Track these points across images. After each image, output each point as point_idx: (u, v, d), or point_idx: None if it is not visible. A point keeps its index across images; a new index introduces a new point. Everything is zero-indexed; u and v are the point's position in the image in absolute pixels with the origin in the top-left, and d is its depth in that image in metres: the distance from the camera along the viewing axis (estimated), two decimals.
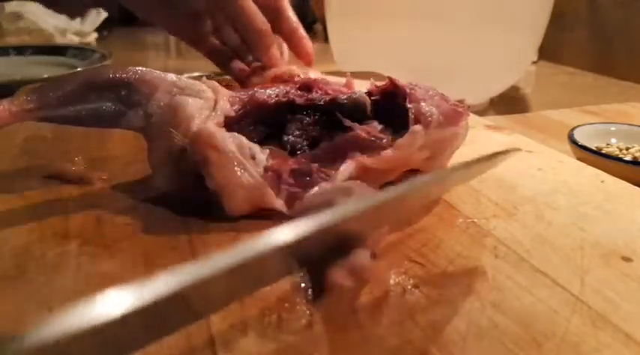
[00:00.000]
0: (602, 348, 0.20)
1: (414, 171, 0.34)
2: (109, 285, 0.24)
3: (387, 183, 0.32)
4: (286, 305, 0.22)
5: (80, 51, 0.87)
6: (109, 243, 0.27)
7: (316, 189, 0.28)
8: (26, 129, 0.43)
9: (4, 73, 0.74)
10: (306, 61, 0.53)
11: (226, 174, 0.29)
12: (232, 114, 0.32)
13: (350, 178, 0.30)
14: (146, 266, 0.25)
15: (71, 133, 0.42)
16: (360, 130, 0.32)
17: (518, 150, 0.29)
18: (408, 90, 0.33)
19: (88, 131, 0.39)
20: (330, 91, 0.36)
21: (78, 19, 1.11)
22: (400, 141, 0.31)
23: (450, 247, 0.27)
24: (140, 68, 0.32)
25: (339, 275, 0.20)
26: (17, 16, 1.03)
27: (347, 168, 0.30)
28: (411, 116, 0.32)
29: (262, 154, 0.30)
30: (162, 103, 0.31)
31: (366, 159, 0.31)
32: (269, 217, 0.30)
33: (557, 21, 0.73)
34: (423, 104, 0.32)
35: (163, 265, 0.25)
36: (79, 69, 0.74)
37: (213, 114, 0.31)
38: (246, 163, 0.29)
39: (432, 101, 0.33)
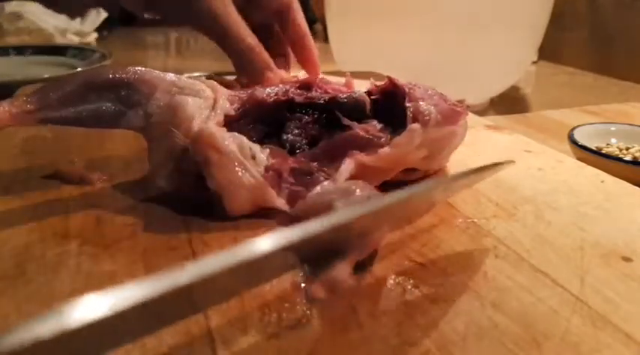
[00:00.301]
0: (602, 348, 0.20)
1: (411, 170, 0.34)
2: (109, 285, 0.24)
3: (385, 181, 0.32)
4: (286, 304, 0.22)
5: (80, 51, 0.87)
6: (109, 242, 0.27)
7: (318, 188, 0.28)
8: (26, 130, 0.43)
9: (4, 73, 0.74)
10: (312, 75, 0.52)
11: (227, 175, 0.29)
12: (232, 113, 0.32)
13: (349, 176, 0.30)
14: (146, 266, 0.25)
15: (71, 133, 0.42)
16: (359, 129, 0.32)
17: (512, 162, 0.30)
18: (407, 90, 0.33)
19: (88, 131, 0.39)
20: (329, 90, 0.36)
21: (78, 19, 1.11)
22: (398, 139, 0.31)
23: (450, 247, 0.27)
24: (139, 68, 0.32)
25: (317, 290, 0.20)
26: (17, 16, 1.03)
27: (347, 167, 0.30)
28: (409, 115, 0.32)
29: (262, 154, 0.30)
30: (161, 103, 0.31)
31: (364, 157, 0.31)
32: (269, 216, 0.30)
33: (557, 21, 0.73)
34: (421, 103, 0.32)
35: (163, 265, 0.25)
36: (79, 69, 0.75)
37: (214, 113, 0.31)
38: (246, 163, 0.29)
39: (431, 100, 0.33)
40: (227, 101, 0.32)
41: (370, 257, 0.26)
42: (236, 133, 0.30)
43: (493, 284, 0.24)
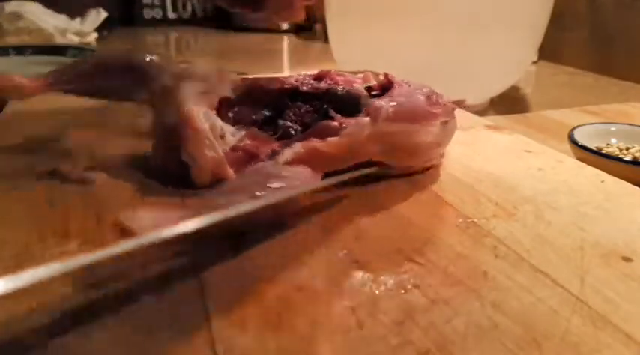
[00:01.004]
0: (602, 348, 0.20)
1: (385, 165, 0.35)
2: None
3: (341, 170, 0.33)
4: (286, 304, 0.23)
5: (80, 51, 0.87)
6: (109, 242, 0.27)
7: (251, 167, 0.31)
8: (26, 130, 0.43)
9: (4, 73, 0.74)
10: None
11: (195, 149, 0.32)
12: (231, 96, 0.35)
13: (301, 161, 0.32)
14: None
15: (71, 133, 0.42)
16: (336, 120, 0.33)
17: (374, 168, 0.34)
18: (396, 86, 0.34)
19: (88, 131, 0.39)
20: (340, 82, 0.37)
21: (78, 19, 1.11)
22: (347, 129, 0.32)
23: (450, 247, 0.27)
24: (152, 54, 0.36)
25: None
26: (17, 16, 1.03)
27: (290, 150, 0.32)
28: (364, 108, 0.33)
29: (234, 135, 0.33)
30: (165, 84, 0.34)
31: (315, 143, 0.32)
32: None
33: (557, 21, 0.73)
34: (379, 99, 0.33)
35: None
36: None
37: (208, 96, 0.34)
38: (214, 141, 0.32)
39: (409, 97, 0.34)
40: (229, 86, 0.36)
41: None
42: (212, 115, 0.33)
43: (493, 284, 0.24)
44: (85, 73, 0.37)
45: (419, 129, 0.34)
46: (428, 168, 0.37)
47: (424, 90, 0.35)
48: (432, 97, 0.35)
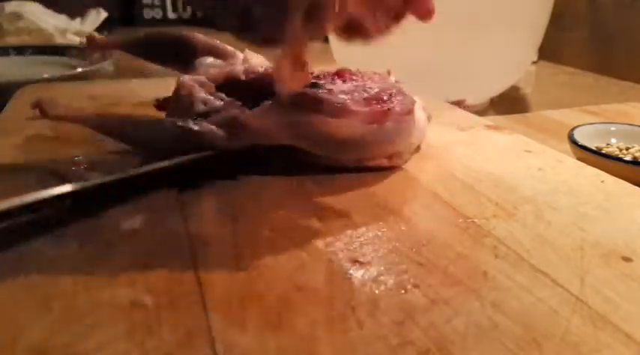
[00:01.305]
0: (602, 348, 0.20)
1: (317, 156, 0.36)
2: (108, 285, 0.24)
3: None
4: (286, 304, 0.23)
5: (80, 51, 0.87)
6: (109, 242, 0.27)
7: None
8: (27, 129, 0.43)
9: (4, 73, 0.74)
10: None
11: (175, 107, 0.38)
12: (241, 77, 0.40)
13: (223, 126, 0.34)
14: (146, 266, 0.25)
15: (71, 133, 0.42)
16: None
17: None
18: (356, 81, 0.38)
19: (88, 131, 0.39)
20: (348, 78, 0.39)
21: (78, 19, 1.11)
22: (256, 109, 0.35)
23: (450, 247, 0.27)
24: (197, 34, 0.45)
25: None
26: (17, 16, 1.03)
27: (221, 114, 0.35)
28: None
29: (205, 105, 0.37)
30: (190, 56, 0.43)
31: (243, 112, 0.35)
32: (271, 216, 0.30)
33: (557, 21, 0.73)
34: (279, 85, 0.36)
35: (163, 266, 0.25)
36: (79, 69, 0.74)
37: (217, 71, 0.40)
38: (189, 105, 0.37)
39: (343, 91, 0.36)
40: (242, 67, 0.41)
41: None
42: (197, 87, 0.37)
43: (493, 284, 0.24)
44: (142, 41, 0.49)
45: (328, 121, 0.34)
46: (382, 169, 0.37)
47: (375, 90, 0.36)
48: (378, 97, 0.36)
